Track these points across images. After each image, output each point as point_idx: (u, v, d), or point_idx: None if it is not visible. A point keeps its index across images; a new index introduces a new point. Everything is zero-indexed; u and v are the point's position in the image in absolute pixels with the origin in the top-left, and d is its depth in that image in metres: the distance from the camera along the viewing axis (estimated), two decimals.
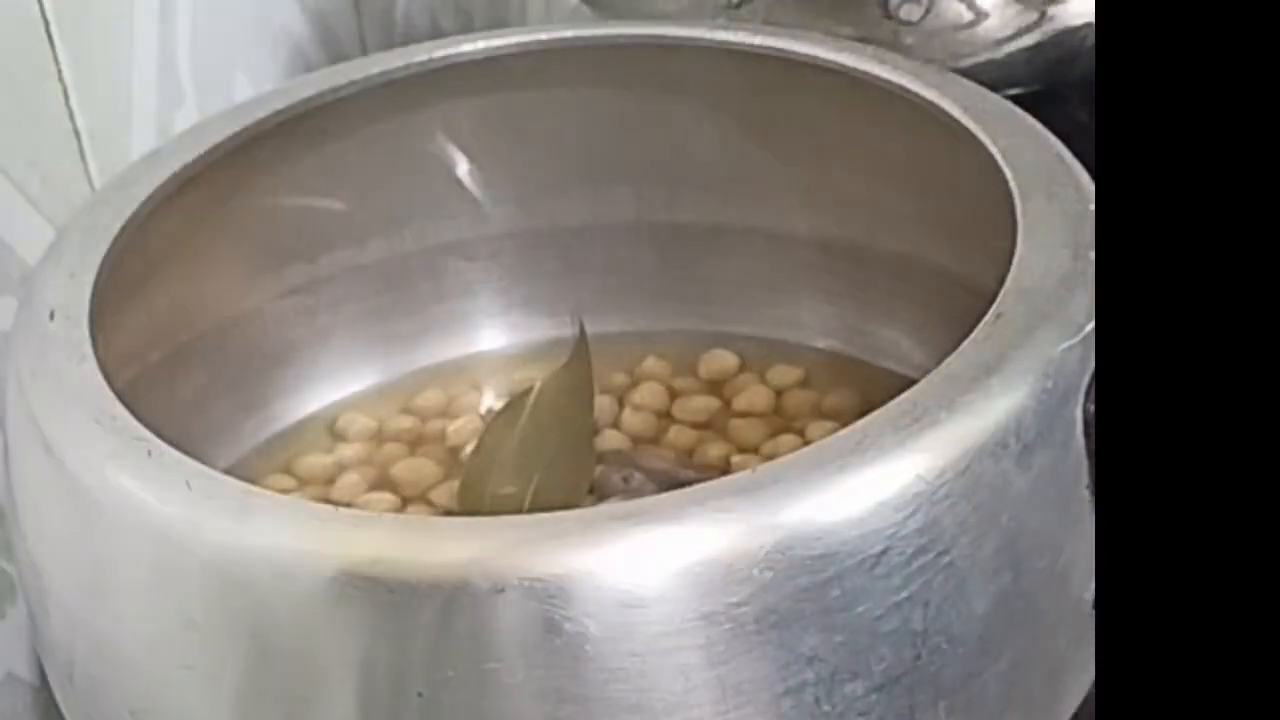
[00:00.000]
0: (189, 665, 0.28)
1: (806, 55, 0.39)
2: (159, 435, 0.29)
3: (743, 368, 0.43)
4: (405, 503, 0.41)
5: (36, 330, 0.32)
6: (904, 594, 0.27)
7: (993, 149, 0.35)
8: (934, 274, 0.41)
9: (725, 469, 0.40)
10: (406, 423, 0.43)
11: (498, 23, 0.59)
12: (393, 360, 0.45)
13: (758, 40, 0.40)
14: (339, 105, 0.41)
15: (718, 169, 0.43)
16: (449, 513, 0.40)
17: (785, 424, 0.41)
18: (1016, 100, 0.37)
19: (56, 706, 0.33)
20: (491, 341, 0.46)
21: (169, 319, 0.40)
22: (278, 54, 0.49)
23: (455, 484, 0.40)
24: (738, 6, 0.42)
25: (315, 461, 0.42)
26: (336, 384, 0.45)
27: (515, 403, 0.40)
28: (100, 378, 0.31)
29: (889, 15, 0.47)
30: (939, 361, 0.29)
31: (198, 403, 0.41)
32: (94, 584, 0.30)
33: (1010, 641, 0.29)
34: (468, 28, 0.58)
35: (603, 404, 0.42)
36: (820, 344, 0.45)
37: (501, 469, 0.38)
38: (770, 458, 0.27)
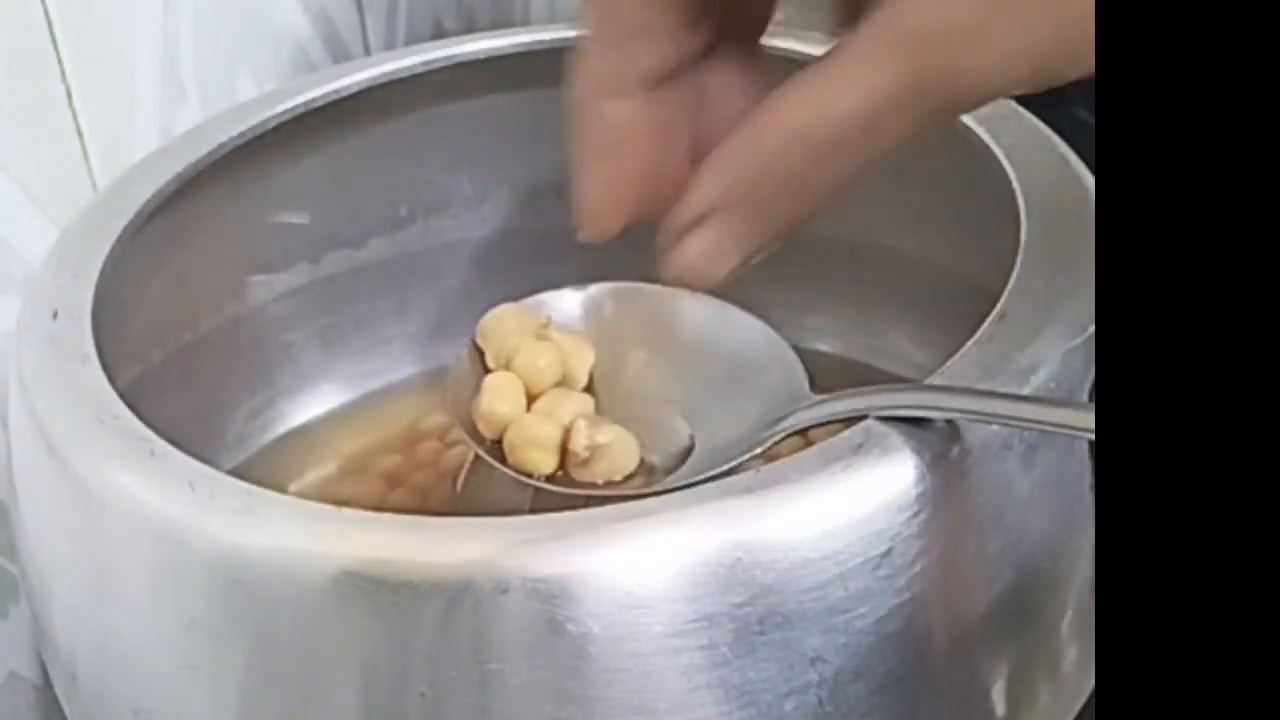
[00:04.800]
0: (192, 665, 0.28)
1: (809, 55, 0.39)
2: (162, 435, 0.29)
3: None
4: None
5: (39, 330, 0.32)
6: (907, 595, 0.27)
7: (996, 149, 0.35)
8: (937, 274, 0.41)
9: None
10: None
11: (501, 23, 0.59)
12: (397, 362, 0.45)
13: (760, 40, 0.40)
14: (342, 105, 0.41)
15: None
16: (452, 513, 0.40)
17: None
18: (1019, 100, 0.37)
19: (59, 706, 0.33)
20: None
21: (172, 319, 0.40)
22: (280, 54, 0.49)
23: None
24: None
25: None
26: (340, 385, 0.45)
27: None
28: (103, 378, 0.31)
29: None
30: (942, 363, 0.29)
31: (201, 403, 0.41)
32: (97, 584, 0.30)
33: (1013, 642, 0.29)
34: (471, 28, 0.58)
35: None
36: (823, 346, 0.45)
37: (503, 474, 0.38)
38: (773, 459, 0.27)
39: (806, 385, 0.31)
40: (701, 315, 0.33)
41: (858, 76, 0.27)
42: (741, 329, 0.32)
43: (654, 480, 0.31)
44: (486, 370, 0.33)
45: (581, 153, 0.30)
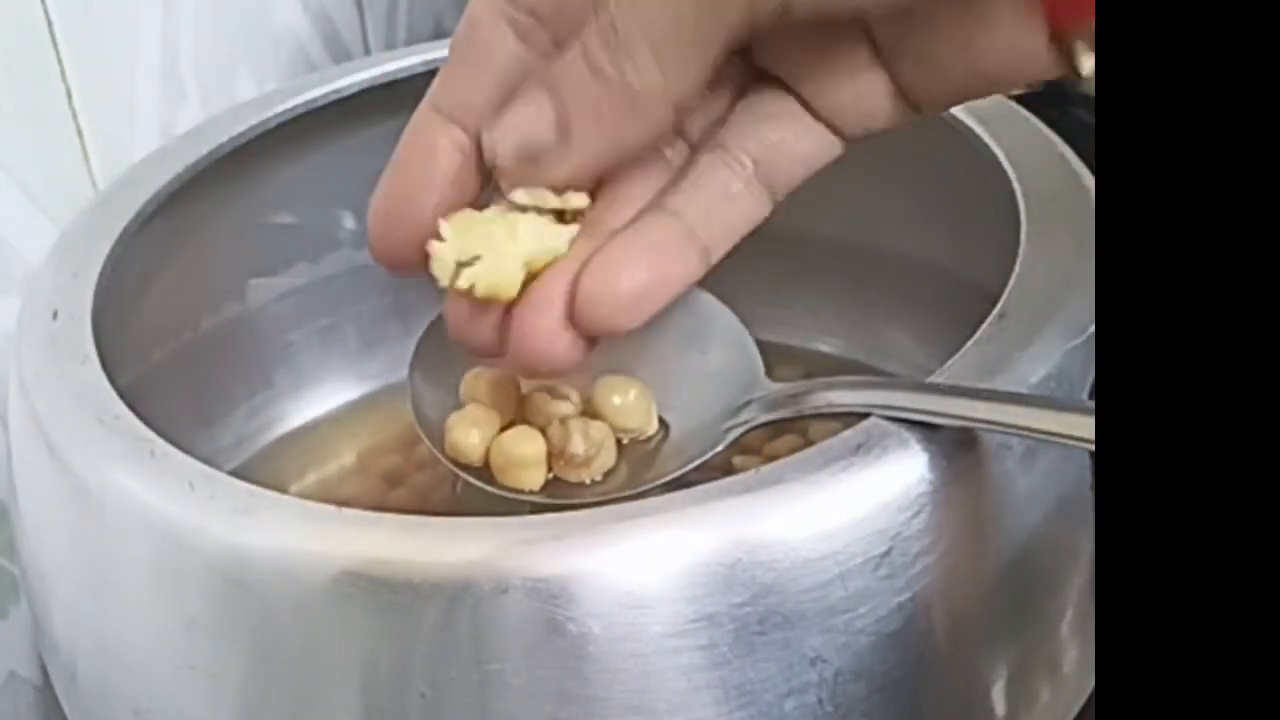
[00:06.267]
0: (192, 665, 0.28)
1: None
2: (162, 435, 0.29)
3: None
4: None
5: (39, 330, 0.32)
6: (907, 594, 0.27)
7: (996, 149, 0.35)
8: (937, 274, 0.41)
9: (728, 469, 0.40)
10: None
11: None
12: (397, 362, 0.45)
13: None
14: (342, 106, 0.41)
15: None
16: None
17: (787, 425, 0.41)
18: (1019, 100, 0.37)
19: (59, 706, 0.33)
20: None
21: (172, 319, 0.40)
22: (280, 54, 0.49)
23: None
24: None
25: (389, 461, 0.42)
26: (340, 385, 0.45)
27: None
28: (103, 378, 0.31)
29: None
30: (942, 362, 0.29)
31: (201, 403, 0.41)
32: (97, 583, 0.30)
33: (1013, 642, 0.29)
34: None
35: None
36: (823, 346, 0.45)
37: None
38: (772, 459, 0.27)
39: (763, 372, 0.31)
40: None
41: None
42: (700, 309, 0.32)
43: (632, 470, 0.31)
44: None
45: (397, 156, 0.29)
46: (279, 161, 0.41)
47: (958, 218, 0.40)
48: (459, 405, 0.32)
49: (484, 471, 0.31)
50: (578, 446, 0.30)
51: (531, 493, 0.31)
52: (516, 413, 0.32)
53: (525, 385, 0.32)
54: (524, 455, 0.31)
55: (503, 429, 0.32)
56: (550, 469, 0.31)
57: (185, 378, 0.40)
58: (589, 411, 0.32)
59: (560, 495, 0.31)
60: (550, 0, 0.27)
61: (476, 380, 0.32)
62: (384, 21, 0.54)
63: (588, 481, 0.31)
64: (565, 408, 0.32)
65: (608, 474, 0.31)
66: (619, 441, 0.32)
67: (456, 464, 0.31)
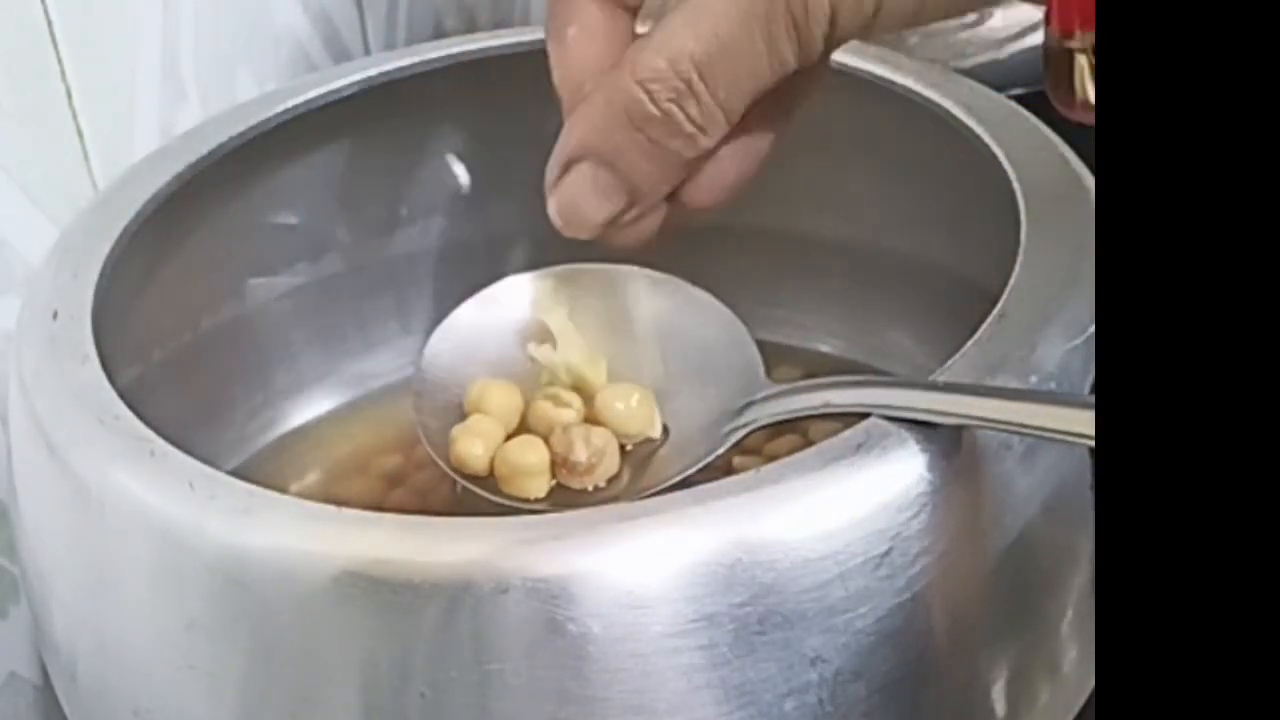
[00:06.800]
0: (192, 665, 0.28)
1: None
2: (162, 435, 0.29)
3: None
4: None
5: (39, 330, 0.32)
6: (907, 594, 0.27)
7: (996, 149, 0.35)
8: (937, 274, 0.41)
9: (728, 469, 0.40)
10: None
11: (501, 23, 0.59)
12: (397, 362, 0.45)
13: None
14: (342, 105, 0.41)
15: None
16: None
17: (787, 425, 0.41)
18: (1019, 100, 0.37)
19: (59, 706, 0.33)
20: None
21: (172, 319, 0.40)
22: (280, 54, 0.49)
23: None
24: None
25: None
26: (340, 385, 0.45)
27: None
28: (103, 378, 0.31)
29: None
30: (942, 362, 0.29)
31: (201, 403, 0.41)
32: (97, 583, 0.30)
33: (1013, 642, 0.29)
34: (471, 28, 0.58)
35: None
36: (823, 346, 0.45)
37: None
38: (773, 459, 0.27)
39: (763, 372, 0.31)
40: (661, 295, 0.33)
41: (699, 11, 0.26)
42: (699, 309, 0.32)
43: (635, 474, 0.31)
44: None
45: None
46: (279, 161, 0.41)
47: (958, 218, 0.40)
48: (463, 416, 0.32)
49: (489, 481, 0.31)
50: (580, 454, 0.30)
51: (536, 501, 0.31)
52: (520, 422, 0.32)
53: (528, 394, 0.32)
54: (528, 464, 0.31)
55: (507, 438, 0.32)
56: (554, 477, 0.31)
57: (185, 378, 0.40)
58: (591, 418, 0.32)
59: (564, 502, 0.31)
60: None
61: (479, 391, 0.32)
62: (384, 21, 0.54)
63: (591, 488, 0.31)
64: (568, 415, 0.32)
65: (611, 480, 0.31)
66: (622, 447, 0.32)
67: (461, 474, 0.31)
